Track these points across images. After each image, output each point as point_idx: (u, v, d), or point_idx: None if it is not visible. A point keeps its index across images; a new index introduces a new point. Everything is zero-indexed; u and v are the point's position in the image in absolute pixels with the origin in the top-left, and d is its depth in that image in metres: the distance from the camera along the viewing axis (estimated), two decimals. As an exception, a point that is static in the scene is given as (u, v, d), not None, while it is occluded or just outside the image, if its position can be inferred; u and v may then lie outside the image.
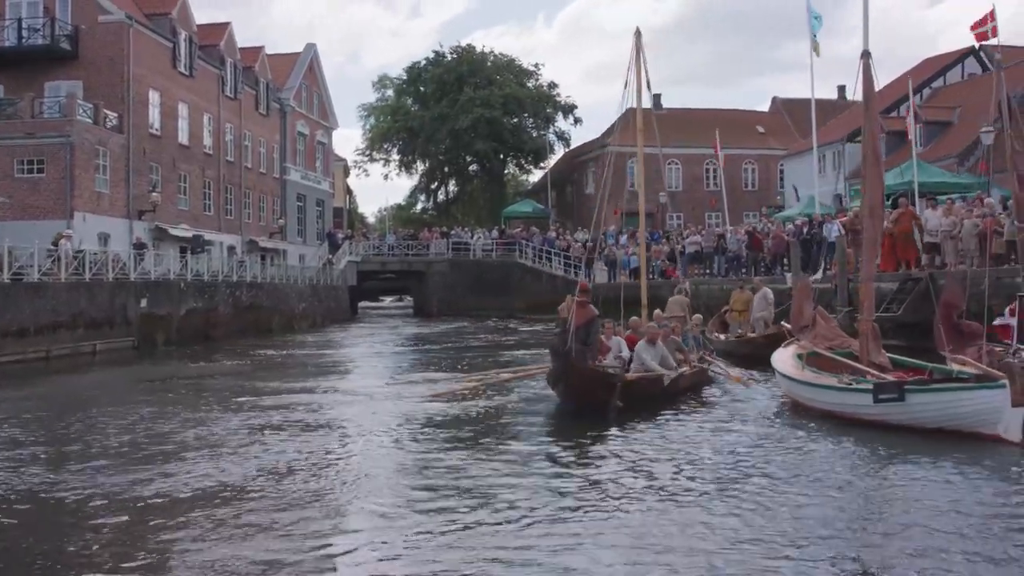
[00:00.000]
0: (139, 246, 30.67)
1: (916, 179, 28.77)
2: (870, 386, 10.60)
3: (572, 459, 10.15)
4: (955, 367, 11.54)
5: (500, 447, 10.92)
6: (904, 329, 19.77)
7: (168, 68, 38.09)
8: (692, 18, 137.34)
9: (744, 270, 31.98)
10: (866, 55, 12.26)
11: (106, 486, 8.99)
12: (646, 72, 16.73)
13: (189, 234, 37.13)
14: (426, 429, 12.09)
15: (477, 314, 46.85)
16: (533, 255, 49.13)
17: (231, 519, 7.77)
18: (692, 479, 9.00)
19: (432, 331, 36.67)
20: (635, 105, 17.31)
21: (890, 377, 11.70)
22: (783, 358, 13.17)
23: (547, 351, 13.59)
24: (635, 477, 9.14)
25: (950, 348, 12.69)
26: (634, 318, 16.08)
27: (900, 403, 10.12)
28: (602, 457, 10.16)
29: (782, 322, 16.43)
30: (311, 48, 54.78)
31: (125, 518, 7.97)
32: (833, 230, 26.83)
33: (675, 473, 9.26)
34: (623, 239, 46.43)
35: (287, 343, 30.29)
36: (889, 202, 31.56)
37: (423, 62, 72.33)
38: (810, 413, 11.74)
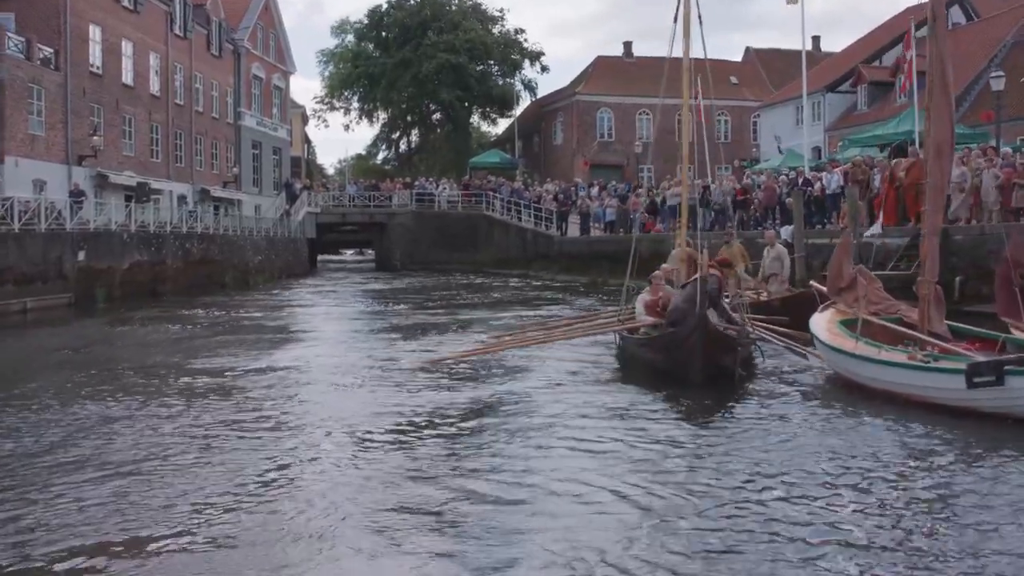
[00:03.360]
0: (77, 193, 28.06)
1: (917, 128, 26.97)
2: (960, 365, 8.65)
3: (621, 447, 8.34)
4: (1028, 337, 9.80)
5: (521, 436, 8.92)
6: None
7: (110, 2, 35.09)
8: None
9: (730, 223, 30.09)
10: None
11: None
12: (697, 4, 14.44)
13: (134, 182, 34.49)
14: (418, 418, 9.98)
15: (442, 268, 44.94)
16: (501, 207, 46.99)
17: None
18: (761, 483, 7.10)
19: (397, 287, 34.56)
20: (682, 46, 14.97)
21: (956, 348, 9.82)
22: (825, 326, 11.20)
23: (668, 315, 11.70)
24: (700, 478, 7.28)
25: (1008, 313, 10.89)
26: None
27: (999, 387, 8.23)
28: (643, 452, 8.22)
29: (811, 282, 14.46)
30: (267, -14, 51.68)
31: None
32: (833, 181, 25.01)
33: (746, 474, 7.37)
34: (594, 191, 44.53)
35: (242, 300, 27.99)
36: (883, 153, 30.04)
37: (384, 5, 69.28)
38: (870, 394, 9.78)
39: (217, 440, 8.70)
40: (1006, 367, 8.20)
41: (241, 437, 8.82)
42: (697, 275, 11.09)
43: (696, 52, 15.04)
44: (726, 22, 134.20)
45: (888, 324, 10.64)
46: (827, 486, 7.06)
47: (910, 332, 10.29)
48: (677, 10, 14.71)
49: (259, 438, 8.79)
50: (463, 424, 9.41)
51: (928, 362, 9.21)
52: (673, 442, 8.45)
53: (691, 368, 10.76)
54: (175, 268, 30.42)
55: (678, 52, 15.11)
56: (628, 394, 11.03)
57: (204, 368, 13.19)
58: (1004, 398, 8.28)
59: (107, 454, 8.20)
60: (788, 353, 12.74)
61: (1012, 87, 31.09)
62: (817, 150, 45.97)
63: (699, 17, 14.63)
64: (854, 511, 6.49)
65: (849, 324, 10.84)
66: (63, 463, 7.88)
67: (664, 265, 17.06)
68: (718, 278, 11.67)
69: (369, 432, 9.01)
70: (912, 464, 7.68)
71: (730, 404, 10.03)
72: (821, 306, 12.24)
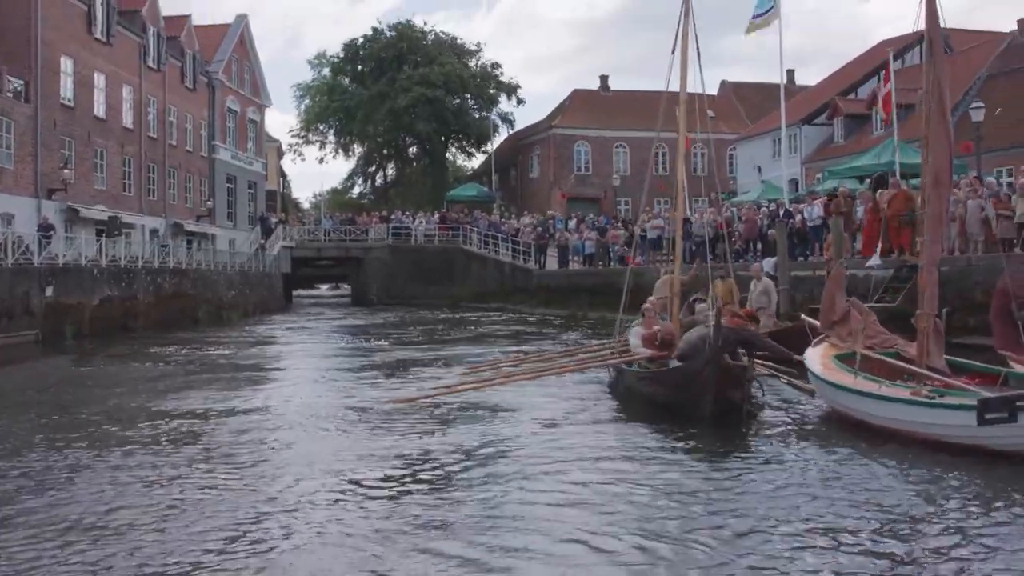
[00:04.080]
0: (45, 228, 27.39)
1: (898, 159, 26.93)
2: (969, 401, 8.25)
3: (621, 490, 7.83)
4: None
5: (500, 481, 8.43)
6: (901, 320, 17.80)
7: (82, 33, 34.61)
8: (630, 11, 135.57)
9: (712, 256, 29.84)
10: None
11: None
12: (695, 39, 14.33)
13: (105, 216, 33.87)
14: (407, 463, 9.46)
15: (419, 303, 44.43)
16: (479, 241, 46.64)
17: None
18: (767, 531, 6.65)
19: (374, 322, 33.98)
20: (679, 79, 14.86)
21: (958, 383, 9.46)
22: (819, 360, 10.81)
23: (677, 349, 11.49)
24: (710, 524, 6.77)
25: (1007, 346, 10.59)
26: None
27: (1011, 424, 7.84)
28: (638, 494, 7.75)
29: (802, 315, 14.10)
30: (242, 19, 51.35)
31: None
32: (814, 212, 24.82)
33: (752, 522, 6.92)
34: (571, 224, 44.27)
35: (215, 336, 27.33)
36: (864, 184, 29.92)
37: (361, 39, 69.22)
38: (870, 432, 9.36)
39: (185, 494, 8.02)
40: (1018, 403, 7.82)
41: (211, 492, 8.12)
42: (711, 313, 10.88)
43: (692, 84, 14.87)
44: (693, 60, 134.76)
45: (886, 358, 10.28)
46: (834, 533, 6.64)
47: (909, 367, 9.93)
48: (675, 43, 14.59)
49: (231, 491, 8.13)
50: (450, 471, 8.85)
51: (933, 398, 8.82)
52: (675, 487, 7.95)
53: (702, 402, 10.43)
54: (147, 303, 29.78)
55: (676, 84, 14.93)
56: (627, 433, 10.60)
57: (174, 411, 12.49)
58: (1017, 435, 7.89)
59: (63, 509, 7.55)
60: (781, 387, 12.36)
61: (988, 118, 31.19)
62: (794, 182, 46.01)
63: (697, 51, 14.49)
64: (865, 559, 6.09)
65: (845, 359, 10.47)
66: (11, 519, 7.30)
67: (651, 297, 16.77)
68: (739, 328, 11.30)
69: (349, 484, 8.35)
70: (923, 508, 7.26)
71: (731, 445, 9.58)
72: (815, 340, 11.88)
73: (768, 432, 10.20)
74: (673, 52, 15.26)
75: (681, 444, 9.75)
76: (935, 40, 9.86)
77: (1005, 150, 33.05)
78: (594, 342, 18.60)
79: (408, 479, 8.51)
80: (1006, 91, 37.24)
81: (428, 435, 10.52)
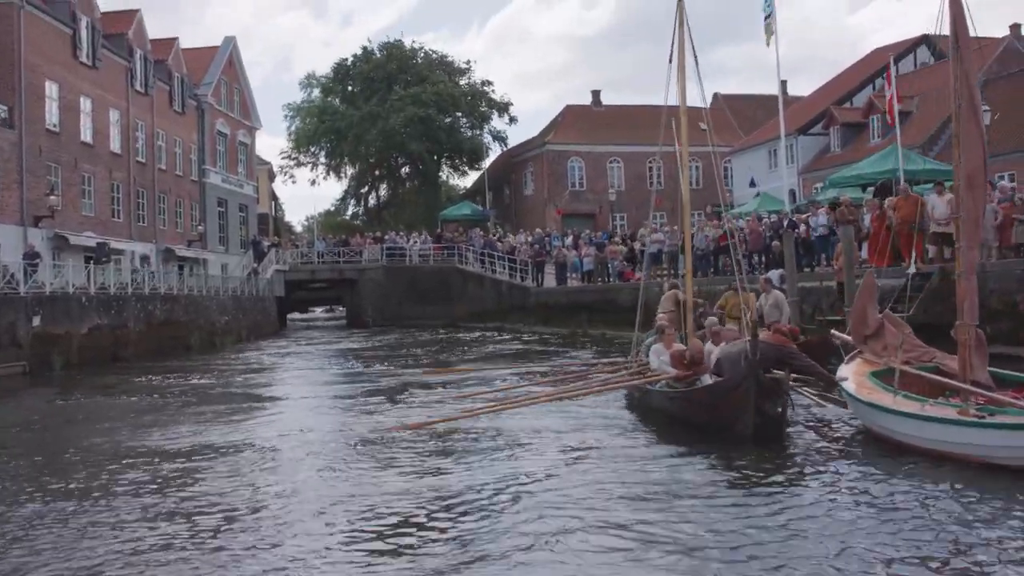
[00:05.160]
0: (31, 256, 26.64)
1: (901, 166, 26.35)
2: (1025, 420, 7.60)
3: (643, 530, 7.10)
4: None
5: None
6: (916, 332, 17.17)
7: (68, 58, 34.00)
8: (620, 26, 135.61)
9: (713, 269, 29.32)
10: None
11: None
12: (692, 47, 13.90)
13: (94, 242, 33.15)
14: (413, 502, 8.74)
15: (416, 324, 43.74)
16: (475, 259, 46.02)
17: None
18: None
19: (371, 345, 33.23)
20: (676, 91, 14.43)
21: (1006, 398, 8.81)
22: (854, 379, 10.12)
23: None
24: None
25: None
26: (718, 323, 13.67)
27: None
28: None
29: (832, 332, 13.40)
30: (230, 41, 50.79)
31: None
32: (819, 222, 24.25)
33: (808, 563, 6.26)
34: (568, 240, 43.69)
35: (208, 363, 26.58)
36: (867, 192, 29.37)
37: (351, 59, 68.76)
38: (913, 454, 8.69)
39: (176, 552, 7.16)
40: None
41: (208, 542, 7.37)
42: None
43: (691, 94, 14.43)
44: (690, 70, 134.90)
45: (925, 374, 9.62)
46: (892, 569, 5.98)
47: (951, 382, 9.28)
48: (671, 54, 14.18)
49: (230, 539, 7.45)
50: (469, 509, 8.08)
51: (984, 417, 8.16)
52: (720, 522, 7.33)
53: (742, 420, 9.99)
54: (138, 331, 29.03)
55: (675, 92, 14.46)
56: (660, 459, 9.95)
57: (163, 450, 11.63)
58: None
59: (42, 562, 6.89)
60: (812, 400, 11.77)
61: (989, 123, 30.73)
62: (792, 193, 45.54)
63: (695, 60, 14.02)
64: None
65: (881, 375, 9.81)
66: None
67: (661, 314, 16.17)
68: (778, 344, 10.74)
69: (361, 532, 7.52)
70: (987, 541, 6.60)
71: (774, 472, 8.93)
72: (847, 356, 11.20)
73: (809, 456, 9.56)
74: (670, 62, 14.99)
75: (721, 471, 9.13)
76: (963, 35, 9.27)
77: (1007, 155, 32.61)
78: (605, 361, 17.90)
79: (428, 524, 7.71)
80: (1005, 95, 36.83)
81: (442, 470, 9.77)
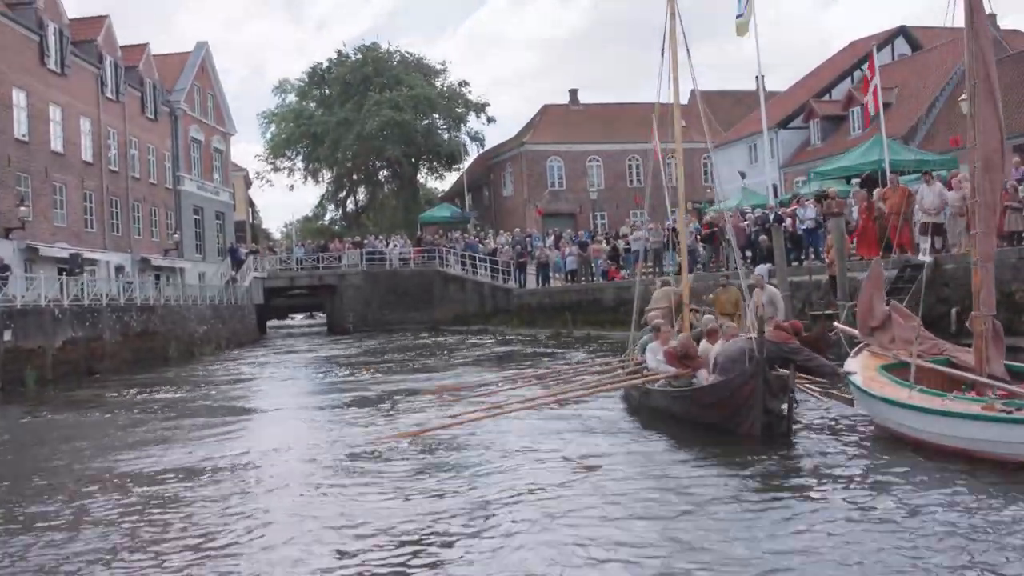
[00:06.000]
0: (1, 268, 25.92)
1: (887, 156, 26.06)
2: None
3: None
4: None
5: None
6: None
7: (35, 65, 33.23)
8: (593, 28, 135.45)
9: (700, 265, 28.92)
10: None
11: None
12: (684, 38, 13.55)
13: (67, 253, 32.40)
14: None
15: (398, 328, 43.20)
16: (455, 262, 45.54)
17: None
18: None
19: (353, 352, 32.62)
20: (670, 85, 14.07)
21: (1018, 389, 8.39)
22: (862, 373, 9.67)
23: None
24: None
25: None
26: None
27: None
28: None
29: (835, 324, 12.96)
30: (202, 47, 50.03)
31: None
32: (807, 214, 23.91)
33: None
34: (549, 240, 43.28)
35: (187, 375, 25.92)
36: (851, 184, 29.06)
37: (326, 63, 68.09)
38: (932, 452, 8.24)
39: None
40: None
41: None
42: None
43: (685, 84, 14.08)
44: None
45: (942, 368, 9.19)
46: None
47: (967, 375, 8.85)
48: (664, 44, 13.83)
49: (210, 569, 6.90)
50: (471, 525, 7.52)
51: (1011, 412, 7.71)
52: (735, 528, 6.89)
53: (748, 419, 9.69)
54: (114, 343, 28.33)
55: (667, 85, 14.11)
56: (666, 462, 9.55)
57: (140, 471, 10.88)
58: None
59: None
60: (814, 396, 11.36)
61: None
62: (774, 187, 45.26)
63: (687, 51, 13.65)
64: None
65: (893, 369, 9.37)
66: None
67: (653, 311, 15.81)
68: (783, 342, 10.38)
69: (358, 563, 6.87)
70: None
71: (781, 472, 8.56)
72: (854, 350, 10.76)
73: (820, 457, 9.13)
74: (663, 54, 14.65)
75: (733, 474, 8.70)
76: (978, 10, 8.84)
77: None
78: (599, 362, 17.44)
79: (432, 544, 7.13)
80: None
81: (441, 481, 9.26)
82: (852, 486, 7.98)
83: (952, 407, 8.10)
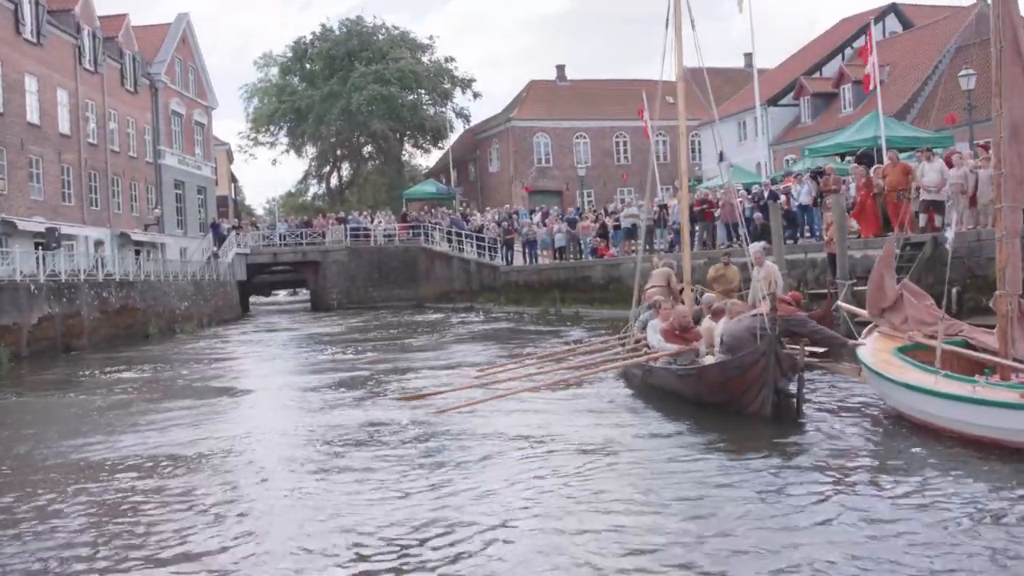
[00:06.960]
0: (-28, 243, 25.24)
1: (883, 133, 25.59)
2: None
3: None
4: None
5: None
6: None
7: (10, 34, 32.27)
8: (582, 7, 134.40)
9: (694, 245, 28.39)
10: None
11: None
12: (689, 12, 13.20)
13: (43, 228, 31.61)
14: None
15: (382, 306, 42.72)
16: (441, 239, 44.95)
17: None
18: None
19: (337, 329, 32.05)
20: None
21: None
22: (878, 356, 9.17)
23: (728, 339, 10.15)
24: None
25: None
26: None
27: None
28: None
29: (838, 303, 12.51)
30: (183, 18, 48.94)
31: None
32: (803, 192, 23.43)
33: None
34: (536, 217, 42.68)
35: (168, 352, 25.30)
36: (845, 161, 28.61)
37: (310, 37, 67.02)
38: (961, 443, 7.74)
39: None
40: None
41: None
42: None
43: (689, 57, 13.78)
44: (657, 43, 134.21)
45: (966, 351, 8.70)
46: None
47: (990, 358, 8.37)
48: (668, 18, 13.46)
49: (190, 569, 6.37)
50: (477, 521, 6.92)
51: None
52: (752, 518, 6.40)
53: (759, 398, 9.36)
54: (92, 320, 27.64)
55: (671, 59, 13.75)
56: (673, 445, 9.03)
57: (117, 459, 10.11)
58: None
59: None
60: (823, 378, 10.94)
61: (960, 92, 30.04)
62: (762, 165, 44.79)
63: (692, 23, 13.29)
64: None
65: (909, 351, 8.88)
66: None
67: (651, 288, 15.44)
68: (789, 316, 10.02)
69: (356, 560, 6.33)
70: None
71: (795, 455, 8.07)
72: (864, 331, 10.28)
73: (833, 441, 8.60)
74: (667, 27, 14.25)
75: (738, 456, 8.25)
76: (1006, -32, 8.30)
77: (987, 120, 31.91)
78: (597, 340, 16.95)
79: (435, 540, 6.55)
80: (983, 60, 36.12)
81: (436, 465, 8.71)
82: (867, 470, 7.58)
83: (987, 395, 7.54)
